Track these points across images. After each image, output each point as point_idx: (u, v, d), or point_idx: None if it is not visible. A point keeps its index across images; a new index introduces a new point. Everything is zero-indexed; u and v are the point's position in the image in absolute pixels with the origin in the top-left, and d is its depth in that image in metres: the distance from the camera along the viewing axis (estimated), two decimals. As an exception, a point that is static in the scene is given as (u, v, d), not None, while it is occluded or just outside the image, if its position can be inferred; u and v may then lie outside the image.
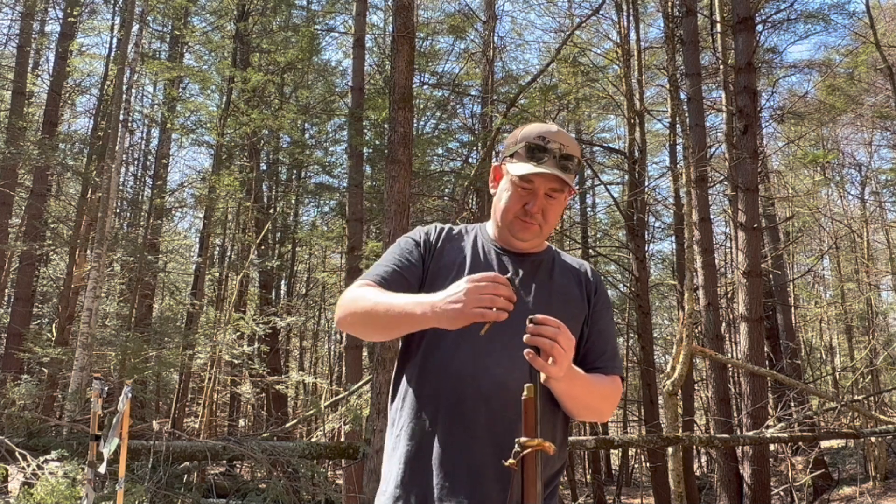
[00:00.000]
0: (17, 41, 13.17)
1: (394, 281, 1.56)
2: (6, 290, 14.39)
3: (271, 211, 15.52)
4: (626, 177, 13.80)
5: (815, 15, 13.34)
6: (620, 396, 1.63)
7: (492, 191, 1.70)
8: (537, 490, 1.21)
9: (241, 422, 16.48)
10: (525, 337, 1.30)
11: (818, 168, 18.69)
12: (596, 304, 1.65)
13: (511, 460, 1.22)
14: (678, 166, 12.56)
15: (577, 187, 1.81)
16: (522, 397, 1.26)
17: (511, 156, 1.62)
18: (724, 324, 13.14)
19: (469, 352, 1.48)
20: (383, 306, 1.45)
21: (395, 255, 1.63)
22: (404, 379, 1.58)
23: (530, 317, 1.32)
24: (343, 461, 6.79)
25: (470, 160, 13.46)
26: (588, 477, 15.97)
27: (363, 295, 1.51)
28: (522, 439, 1.23)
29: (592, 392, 1.52)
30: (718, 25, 11.30)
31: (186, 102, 13.76)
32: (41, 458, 4.67)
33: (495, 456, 1.41)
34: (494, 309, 1.28)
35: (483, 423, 1.45)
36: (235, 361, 11.30)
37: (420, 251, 1.63)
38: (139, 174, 18.08)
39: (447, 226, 1.71)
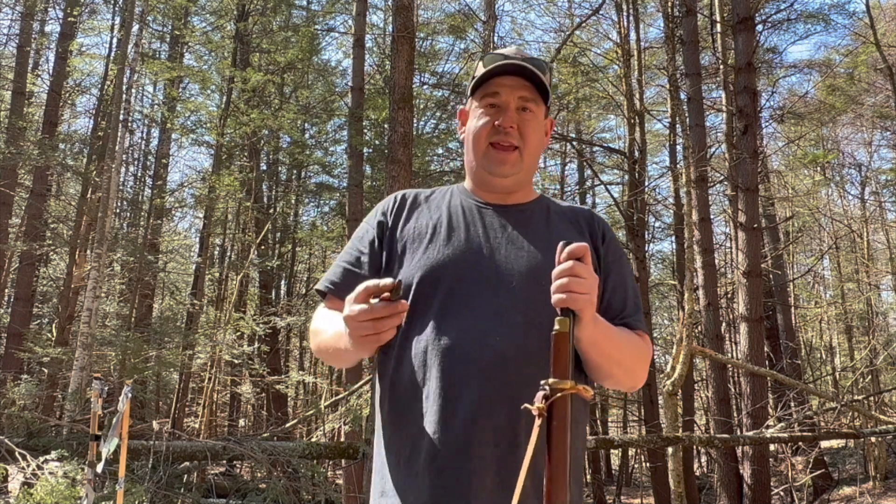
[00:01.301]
0: (17, 41, 13.16)
1: (345, 283, 1.38)
2: (6, 290, 14.38)
3: (271, 211, 15.52)
4: (626, 177, 13.79)
5: (815, 15, 13.34)
6: (650, 358, 1.40)
7: (460, 137, 1.51)
8: (566, 440, 0.97)
9: (241, 422, 16.48)
10: (556, 285, 1.11)
11: (818, 168, 18.68)
12: (606, 255, 1.41)
13: (538, 404, 0.98)
14: (678, 166, 12.55)
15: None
16: (553, 332, 1.05)
17: (471, 85, 1.45)
18: (724, 324, 13.13)
19: (457, 324, 1.27)
20: (324, 344, 1.36)
21: (349, 250, 1.46)
22: (386, 364, 1.35)
23: (565, 249, 1.14)
24: (343, 461, 6.78)
25: (470, 160, 13.44)
26: (588, 477, 15.97)
27: (315, 330, 1.41)
28: (551, 381, 0.99)
29: (618, 342, 1.28)
30: (718, 25, 11.29)
31: (186, 102, 13.76)
32: (41, 458, 4.67)
33: (497, 448, 1.22)
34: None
35: (480, 409, 1.22)
36: (235, 361, 11.30)
37: (375, 233, 1.43)
38: (139, 174, 18.10)
39: (415, 191, 1.50)
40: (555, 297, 1.11)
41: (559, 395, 0.98)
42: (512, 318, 1.26)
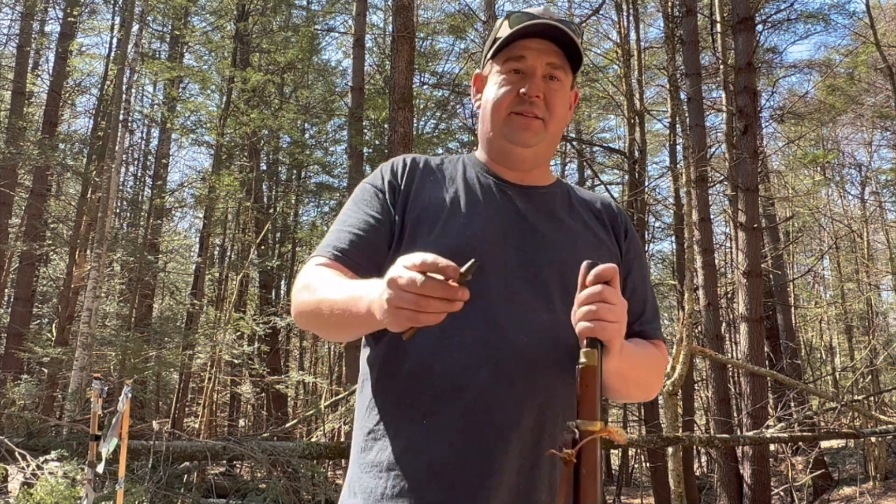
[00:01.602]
0: (17, 41, 13.18)
1: (355, 251, 1.18)
2: (6, 290, 14.39)
3: (271, 211, 15.52)
4: (626, 177, 13.80)
5: (815, 15, 13.37)
6: (667, 366, 1.29)
7: (475, 106, 1.34)
8: (598, 490, 0.86)
9: (241, 422, 16.47)
10: (584, 311, 0.96)
11: (818, 168, 18.70)
12: (628, 251, 1.29)
13: (567, 450, 0.86)
14: (678, 166, 12.55)
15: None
16: (579, 365, 0.92)
17: (492, 48, 1.27)
18: (724, 324, 13.13)
19: (477, 315, 1.09)
20: (327, 304, 1.09)
21: (352, 213, 1.24)
22: (381, 348, 1.18)
23: (592, 271, 0.97)
24: (343, 461, 6.79)
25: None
26: (588, 477, 15.95)
27: (309, 284, 1.16)
28: (578, 421, 0.88)
29: (638, 365, 1.16)
30: (718, 25, 11.30)
31: (186, 102, 13.77)
32: (41, 458, 4.67)
33: (520, 463, 1.08)
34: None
35: (507, 416, 1.08)
36: (235, 361, 11.30)
37: (385, 197, 1.24)
38: (139, 174, 18.11)
39: (423, 156, 1.32)
40: (581, 326, 0.95)
41: (589, 438, 0.85)
42: (538, 316, 1.13)
